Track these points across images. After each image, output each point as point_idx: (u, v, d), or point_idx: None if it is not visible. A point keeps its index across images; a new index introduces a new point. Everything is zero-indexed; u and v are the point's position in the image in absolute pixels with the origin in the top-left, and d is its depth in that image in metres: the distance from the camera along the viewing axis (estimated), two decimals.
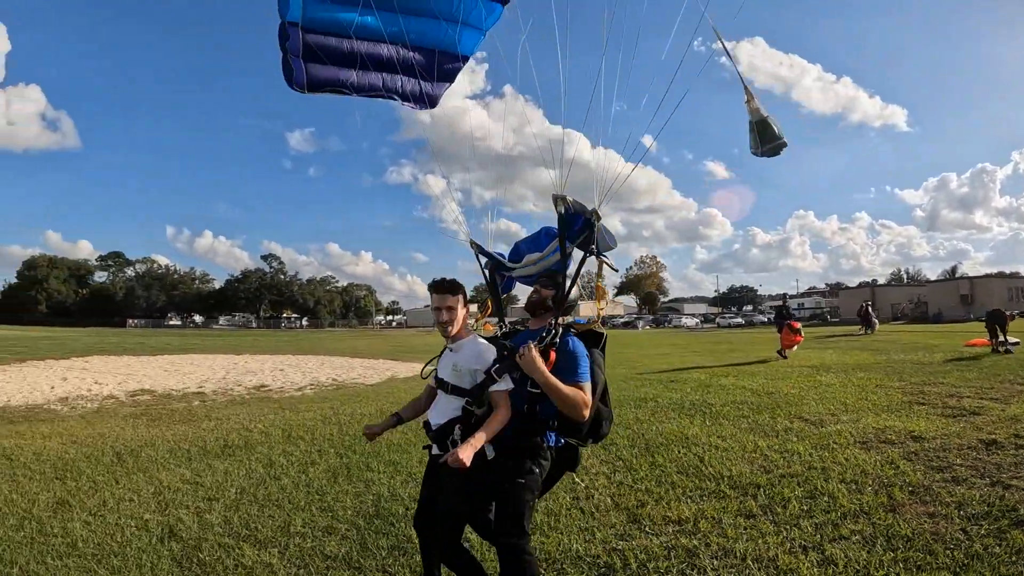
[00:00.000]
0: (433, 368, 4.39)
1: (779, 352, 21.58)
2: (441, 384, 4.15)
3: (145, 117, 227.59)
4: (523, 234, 5.79)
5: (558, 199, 4.67)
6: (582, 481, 6.93)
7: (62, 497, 6.84)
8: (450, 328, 4.09)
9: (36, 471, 7.91)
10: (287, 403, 13.65)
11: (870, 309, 40.93)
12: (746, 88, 4.75)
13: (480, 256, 5.32)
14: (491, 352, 4.11)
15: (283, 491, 6.99)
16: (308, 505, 6.50)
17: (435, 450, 4.10)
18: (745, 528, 5.58)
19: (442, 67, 8.18)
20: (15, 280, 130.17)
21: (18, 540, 5.67)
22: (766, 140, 4.82)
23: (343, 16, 7.62)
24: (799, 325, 22.18)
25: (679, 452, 8.15)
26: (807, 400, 11.71)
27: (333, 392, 15.60)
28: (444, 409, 4.10)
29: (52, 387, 17.02)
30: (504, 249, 5.70)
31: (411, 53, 8.00)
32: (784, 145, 4.80)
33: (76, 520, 6.13)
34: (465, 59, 8.12)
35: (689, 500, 6.35)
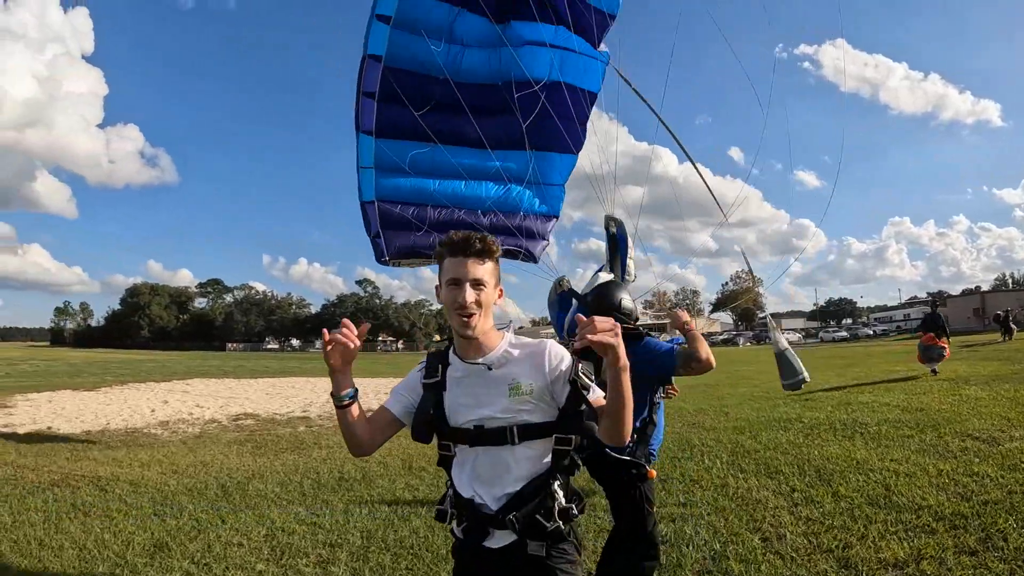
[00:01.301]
0: (426, 416, 2.54)
1: (930, 367, 18.81)
2: (488, 436, 2.46)
3: (239, 152, 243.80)
4: None
5: (610, 220, 5.10)
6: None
7: (161, 539, 5.97)
8: (475, 319, 2.43)
9: (133, 506, 7.14)
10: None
11: (1010, 315, 38.09)
12: (769, 320, 5.50)
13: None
14: (556, 345, 2.54)
15: (416, 535, 5.96)
16: (450, 554, 5.42)
17: (496, 541, 2.48)
18: (974, 567, 4.75)
19: (532, 228, 8.16)
20: (119, 307, 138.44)
21: None
22: (786, 375, 5.75)
23: (420, 187, 8.18)
24: (940, 342, 18.49)
25: (858, 480, 7.19)
26: (965, 416, 10.57)
27: None
28: (506, 467, 2.46)
29: (153, 410, 16.78)
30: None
31: (496, 218, 8.14)
32: (804, 381, 5.77)
33: (177, 570, 5.23)
34: (555, 218, 8.46)
35: (897, 537, 5.42)
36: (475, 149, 7.78)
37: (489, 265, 2.48)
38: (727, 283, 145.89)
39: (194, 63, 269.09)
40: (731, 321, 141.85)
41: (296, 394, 22.17)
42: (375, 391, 22.70)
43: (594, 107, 8.17)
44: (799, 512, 6.20)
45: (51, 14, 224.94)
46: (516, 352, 2.51)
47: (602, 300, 4.54)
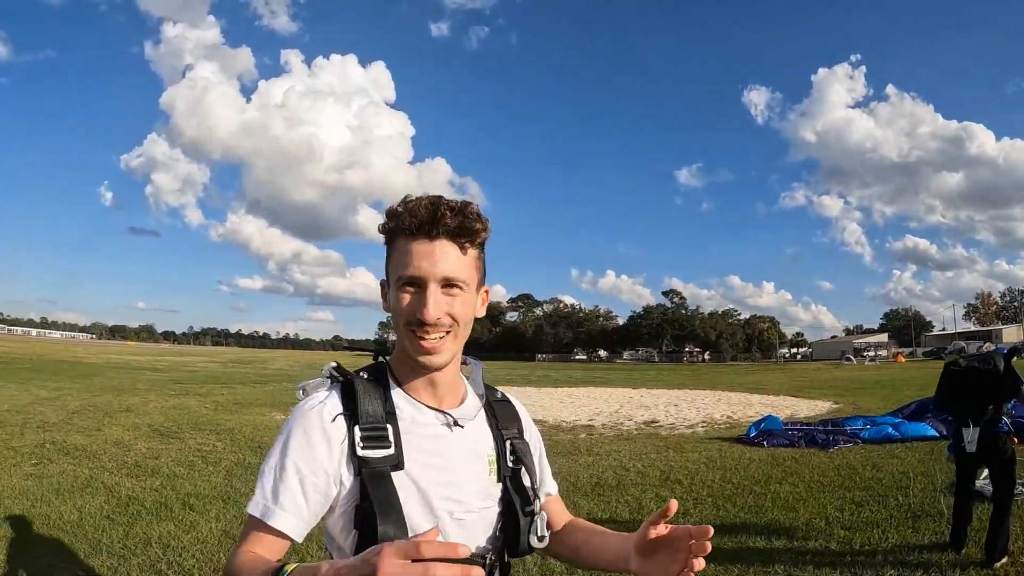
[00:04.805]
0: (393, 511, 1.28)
1: None
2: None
3: (542, 174, 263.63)
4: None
5: None
6: None
7: None
8: (445, 343, 1.39)
9: None
10: (673, 441, 12.89)
11: None
12: None
13: None
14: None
15: None
16: None
17: None
18: None
19: None
20: None
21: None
22: None
23: None
24: None
25: None
26: None
27: (725, 431, 14.50)
28: None
29: None
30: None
31: None
32: None
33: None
34: None
35: None
36: None
37: (471, 254, 1.43)
38: None
39: (485, 97, 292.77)
40: None
41: (589, 403, 22.85)
42: (666, 403, 22.79)
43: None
44: None
45: (351, 71, 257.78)
46: (489, 401, 1.65)
47: None
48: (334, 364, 1.51)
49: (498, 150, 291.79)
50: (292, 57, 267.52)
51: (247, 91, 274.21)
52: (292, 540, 1.32)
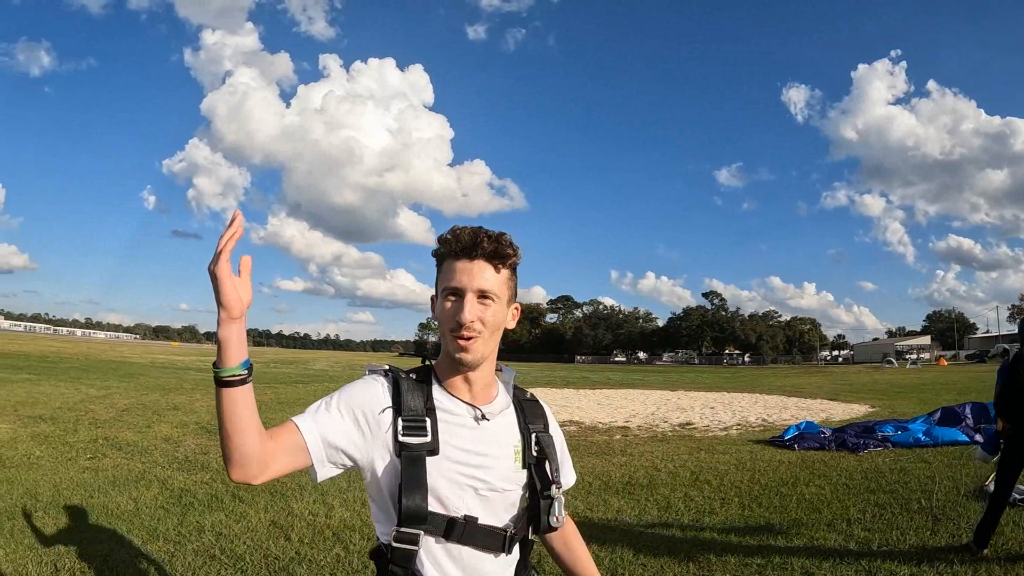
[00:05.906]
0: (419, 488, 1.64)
1: None
2: (480, 535, 1.71)
3: (581, 175, 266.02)
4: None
5: None
6: None
7: None
8: (477, 343, 1.73)
9: None
10: (706, 443, 13.06)
11: None
12: None
13: None
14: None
15: (669, 540, 6.40)
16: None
17: None
18: None
19: None
20: None
21: None
22: None
23: None
24: None
25: None
26: None
27: (759, 433, 14.63)
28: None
29: None
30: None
31: None
32: None
33: None
34: None
35: None
36: None
37: (504, 274, 1.77)
38: None
39: (523, 99, 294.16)
40: None
41: (626, 405, 23.00)
42: (702, 406, 22.86)
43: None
44: None
45: (389, 74, 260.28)
46: (532, 403, 1.97)
47: None
48: (387, 366, 1.84)
49: (537, 152, 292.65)
50: (330, 62, 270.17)
51: (286, 96, 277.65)
52: (303, 436, 1.63)
